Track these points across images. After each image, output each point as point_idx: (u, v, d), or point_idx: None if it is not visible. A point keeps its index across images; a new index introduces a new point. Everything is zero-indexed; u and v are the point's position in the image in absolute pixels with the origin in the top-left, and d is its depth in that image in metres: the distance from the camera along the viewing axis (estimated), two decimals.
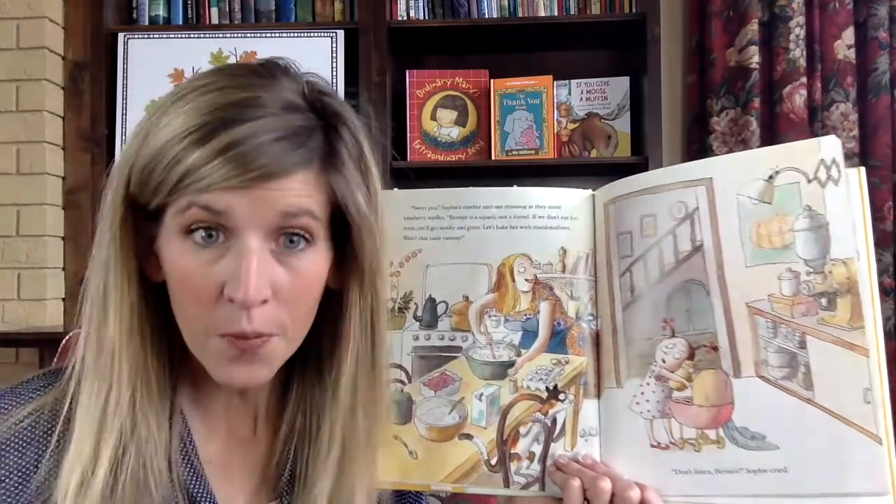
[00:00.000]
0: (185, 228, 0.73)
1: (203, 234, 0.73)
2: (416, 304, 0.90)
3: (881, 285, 2.56)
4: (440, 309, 0.89)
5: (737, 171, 0.84)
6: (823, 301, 0.79)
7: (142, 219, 0.76)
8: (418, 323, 0.90)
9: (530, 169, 2.71)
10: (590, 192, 0.90)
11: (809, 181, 0.81)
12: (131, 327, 0.76)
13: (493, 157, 2.70)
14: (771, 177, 0.82)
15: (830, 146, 0.81)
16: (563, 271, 0.88)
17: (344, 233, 0.78)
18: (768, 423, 0.80)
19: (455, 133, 2.75)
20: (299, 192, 0.75)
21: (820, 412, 0.78)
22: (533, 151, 2.68)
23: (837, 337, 0.78)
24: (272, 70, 0.78)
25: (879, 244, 2.56)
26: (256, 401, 0.86)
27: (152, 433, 0.75)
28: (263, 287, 0.72)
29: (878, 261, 2.57)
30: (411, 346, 0.89)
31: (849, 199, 0.80)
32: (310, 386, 0.85)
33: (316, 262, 0.77)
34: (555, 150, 2.71)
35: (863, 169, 0.81)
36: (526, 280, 0.88)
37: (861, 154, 2.60)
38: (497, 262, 0.88)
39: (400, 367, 0.89)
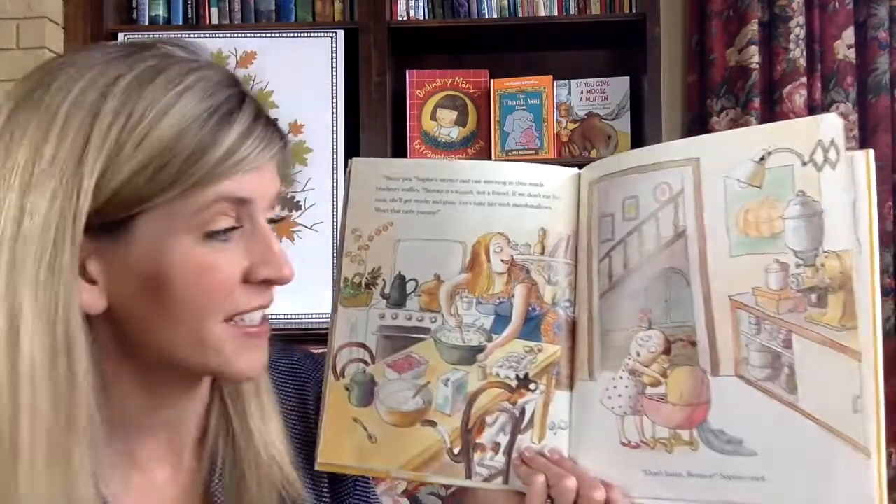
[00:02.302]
0: (202, 227, 0.69)
1: (223, 234, 0.70)
2: (384, 280, 0.86)
3: (881, 285, 2.51)
4: (409, 287, 0.85)
5: (726, 152, 0.77)
6: (813, 297, 0.72)
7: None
8: (385, 301, 0.85)
9: None
10: (575, 170, 0.85)
11: (804, 164, 0.74)
12: (87, 400, 0.68)
13: (493, 158, 2.68)
14: (762, 158, 0.75)
15: (830, 125, 0.74)
16: (542, 253, 0.84)
17: None
18: (746, 426, 0.74)
19: (455, 133, 2.74)
20: (276, 174, 0.76)
21: (803, 418, 0.72)
22: (533, 151, 2.67)
23: (826, 337, 0.72)
24: (187, 48, 0.75)
25: (880, 244, 2.51)
26: (180, 433, 0.81)
27: None
28: None
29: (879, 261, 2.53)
30: (377, 325, 0.85)
31: (852, 185, 0.73)
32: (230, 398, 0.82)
33: None
34: (555, 150, 2.69)
35: (871, 151, 0.74)
36: (502, 261, 0.84)
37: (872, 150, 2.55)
38: (472, 240, 0.84)
39: (364, 346, 0.85)
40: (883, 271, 2.52)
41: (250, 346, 0.74)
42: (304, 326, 2.40)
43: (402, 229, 0.86)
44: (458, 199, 0.85)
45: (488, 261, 0.84)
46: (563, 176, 0.85)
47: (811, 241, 0.73)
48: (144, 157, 0.66)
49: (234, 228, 0.71)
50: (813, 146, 0.74)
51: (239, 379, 0.78)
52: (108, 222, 0.67)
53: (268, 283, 0.73)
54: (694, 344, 0.77)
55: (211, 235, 0.69)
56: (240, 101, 0.71)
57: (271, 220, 0.76)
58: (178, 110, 0.67)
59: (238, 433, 0.81)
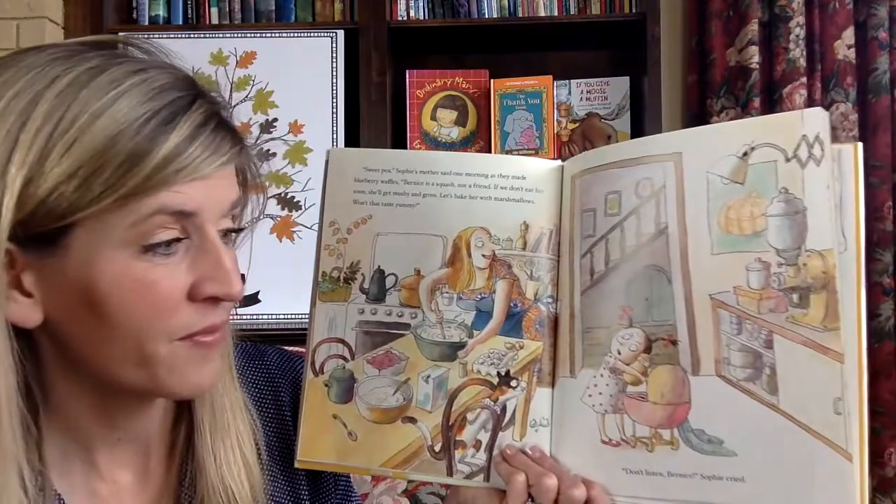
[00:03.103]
0: (140, 241, 0.65)
1: (164, 247, 0.66)
2: (363, 274, 0.84)
3: (881, 285, 2.51)
4: (389, 282, 0.84)
5: (708, 146, 0.75)
6: (794, 297, 0.71)
7: None
8: (365, 296, 0.84)
9: None
10: (558, 162, 0.84)
11: (788, 160, 0.72)
12: (9, 406, 0.65)
13: None
14: (745, 153, 0.73)
15: (815, 120, 0.72)
16: (524, 248, 0.82)
17: None
18: (727, 427, 0.73)
19: (455, 133, 2.74)
20: (232, 180, 0.71)
21: (784, 420, 0.71)
22: (533, 151, 2.66)
23: (808, 338, 0.70)
24: (146, 48, 0.72)
25: (879, 244, 2.51)
26: (143, 443, 0.79)
27: None
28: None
29: (878, 261, 2.51)
30: (356, 321, 0.84)
31: (839, 179, 0.71)
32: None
33: None
34: (555, 150, 2.68)
35: (860, 145, 0.72)
36: (483, 256, 0.82)
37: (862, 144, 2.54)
38: (453, 234, 0.83)
39: (343, 342, 0.84)
40: (883, 271, 2.51)
41: (201, 359, 0.70)
42: (303, 327, 2.39)
43: (382, 222, 0.84)
44: (439, 192, 0.83)
45: (469, 255, 0.83)
46: (545, 168, 0.84)
47: (794, 240, 0.72)
48: (72, 164, 0.62)
49: (178, 240, 0.67)
50: (797, 142, 0.72)
51: (190, 396, 0.75)
52: (41, 233, 0.63)
53: (215, 300, 0.69)
54: (675, 343, 0.76)
55: (150, 249, 0.65)
56: (188, 104, 0.66)
57: (230, 231, 0.72)
58: (112, 114, 0.63)
59: (200, 454, 0.78)
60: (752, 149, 0.74)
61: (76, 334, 0.68)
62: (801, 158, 0.72)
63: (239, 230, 0.73)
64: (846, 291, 0.71)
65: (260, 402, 0.87)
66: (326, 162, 0.87)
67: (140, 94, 0.64)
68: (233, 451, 0.79)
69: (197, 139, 0.65)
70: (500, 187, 0.83)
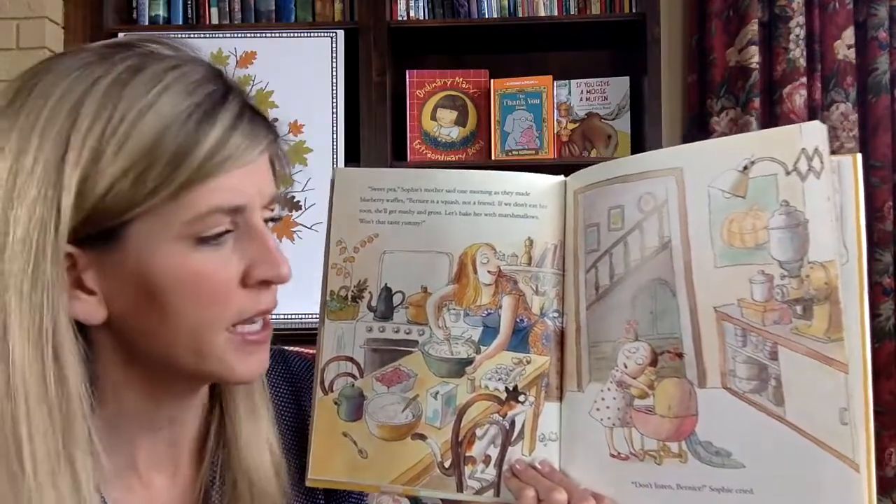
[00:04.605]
0: (196, 235, 0.68)
1: (215, 239, 0.69)
2: (370, 293, 0.85)
3: (881, 285, 2.52)
4: (396, 299, 0.84)
5: (709, 161, 0.76)
6: (798, 308, 0.71)
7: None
8: (372, 314, 0.85)
9: (530, 169, 2.67)
10: (561, 178, 0.84)
11: (788, 173, 0.72)
12: (82, 407, 0.67)
13: (493, 158, 2.68)
14: (746, 167, 0.74)
15: (813, 133, 0.72)
16: (529, 264, 0.83)
17: None
18: (734, 439, 0.73)
19: (455, 133, 2.74)
20: (269, 170, 0.75)
21: (790, 431, 0.71)
22: (533, 151, 2.66)
23: (812, 349, 0.70)
24: (168, 44, 0.74)
25: (879, 244, 2.52)
26: (180, 436, 0.81)
27: None
28: None
29: (878, 261, 2.52)
30: (364, 339, 0.84)
31: (839, 190, 0.72)
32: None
33: None
34: (555, 150, 2.69)
35: (859, 156, 0.73)
36: (489, 272, 0.83)
37: (861, 154, 2.52)
38: (458, 251, 0.83)
39: (351, 360, 0.85)
40: (884, 271, 2.51)
41: (251, 352, 0.74)
42: (304, 326, 2.39)
43: (388, 241, 0.85)
44: (444, 210, 0.84)
45: (475, 272, 0.83)
46: (548, 184, 0.84)
47: (796, 252, 0.72)
48: (126, 161, 0.64)
49: (227, 231, 0.70)
50: (797, 155, 0.72)
51: (238, 383, 0.79)
52: (100, 231, 0.66)
53: (266, 283, 0.72)
54: (680, 356, 0.76)
55: (204, 241, 0.68)
56: (223, 96, 0.69)
57: (270, 220, 0.75)
58: (158, 110, 0.65)
59: (231, 436, 0.81)
60: (753, 163, 0.74)
61: (138, 328, 0.70)
62: (801, 171, 0.72)
63: (277, 219, 0.76)
64: (849, 302, 0.71)
65: (281, 403, 0.89)
66: (332, 182, 0.87)
67: (181, 89, 0.67)
68: (260, 437, 0.81)
69: (237, 129, 0.68)
70: (505, 203, 0.83)
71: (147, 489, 0.79)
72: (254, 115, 0.71)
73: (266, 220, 0.74)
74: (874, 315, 2.52)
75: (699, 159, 0.77)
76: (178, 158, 0.65)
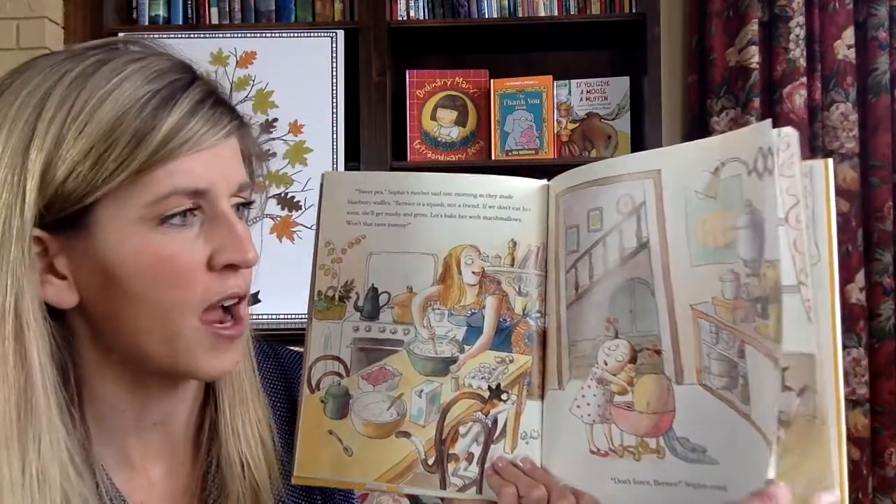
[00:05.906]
0: (158, 217, 0.70)
1: (180, 219, 0.71)
2: (357, 293, 0.86)
3: (881, 285, 2.51)
4: (382, 300, 0.86)
5: (685, 163, 0.77)
6: (758, 307, 0.70)
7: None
8: (359, 313, 0.86)
9: (530, 169, 2.68)
10: (544, 181, 0.86)
11: (749, 173, 0.72)
12: (44, 383, 0.69)
13: (492, 158, 2.68)
14: (717, 168, 0.75)
15: (764, 132, 0.71)
16: (512, 265, 0.84)
17: None
18: (709, 435, 0.73)
19: (455, 133, 2.74)
20: (237, 157, 0.76)
21: (755, 432, 0.69)
22: (533, 151, 2.67)
23: (768, 349, 0.69)
24: (144, 44, 0.77)
25: (879, 244, 2.52)
26: (172, 434, 0.83)
27: None
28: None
29: (878, 261, 2.52)
30: (351, 338, 0.86)
31: (812, 195, 0.72)
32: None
33: None
34: (555, 150, 2.69)
35: (830, 161, 0.74)
36: (473, 273, 0.84)
37: (861, 154, 2.56)
38: (443, 252, 0.85)
39: (338, 359, 0.86)
40: (883, 271, 2.51)
41: (223, 349, 0.75)
42: (303, 326, 2.40)
43: (375, 242, 0.86)
44: (429, 212, 0.85)
45: (459, 273, 0.85)
46: (531, 188, 0.86)
47: (757, 251, 0.72)
48: (86, 145, 0.67)
49: (192, 213, 0.72)
50: (755, 154, 0.72)
51: (208, 378, 0.80)
52: (67, 216, 0.69)
53: (233, 268, 0.74)
54: (659, 353, 0.77)
55: (165, 220, 0.70)
56: (186, 84, 0.72)
57: (242, 205, 0.77)
58: (117, 97, 0.68)
59: (221, 428, 0.82)
60: (723, 164, 0.75)
61: (107, 312, 0.72)
62: (758, 170, 0.72)
63: (249, 203, 0.78)
64: (820, 300, 0.72)
65: (274, 398, 0.90)
66: (321, 185, 0.89)
67: (141, 77, 0.70)
68: (251, 426, 0.83)
69: (197, 114, 0.70)
70: (489, 206, 0.85)
71: (147, 478, 0.81)
72: (218, 103, 0.73)
73: (238, 207, 0.76)
74: (874, 315, 2.52)
75: (676, 162, 0.78)
76: (136, 141, 0.68)
